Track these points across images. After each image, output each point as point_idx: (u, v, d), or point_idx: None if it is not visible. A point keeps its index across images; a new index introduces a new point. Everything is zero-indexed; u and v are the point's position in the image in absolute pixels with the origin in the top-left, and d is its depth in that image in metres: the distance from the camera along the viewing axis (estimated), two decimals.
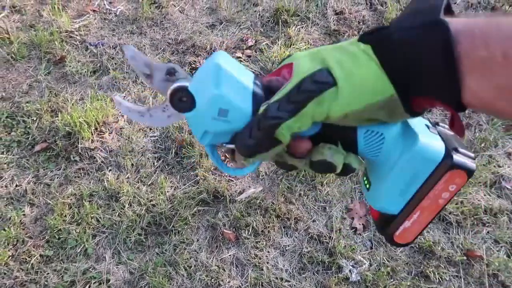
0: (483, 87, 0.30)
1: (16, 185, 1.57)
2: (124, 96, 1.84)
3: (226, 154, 0.43)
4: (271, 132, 0.35)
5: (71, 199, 1.54)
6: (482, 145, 1.76)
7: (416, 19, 0.32)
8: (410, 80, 0.32)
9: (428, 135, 0.38)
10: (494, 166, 1.70)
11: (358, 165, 0.39)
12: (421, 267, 1.45)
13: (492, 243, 1.51)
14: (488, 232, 1.54)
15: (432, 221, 0.41)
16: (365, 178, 0.43)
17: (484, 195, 1.62)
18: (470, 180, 1.61)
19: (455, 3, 2.28)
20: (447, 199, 0.39)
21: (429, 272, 1.43)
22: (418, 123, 0.40)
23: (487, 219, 1.56)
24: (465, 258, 1.47)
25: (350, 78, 0.33)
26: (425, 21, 0.31)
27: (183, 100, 0.38)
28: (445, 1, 0.32)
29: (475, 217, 1.56)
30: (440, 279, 1.43)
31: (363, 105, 0.34)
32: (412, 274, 1.44)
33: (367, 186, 0.42)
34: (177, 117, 0.40)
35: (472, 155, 0.38)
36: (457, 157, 0.37)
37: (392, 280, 1.42)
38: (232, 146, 0.40)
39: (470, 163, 0.38)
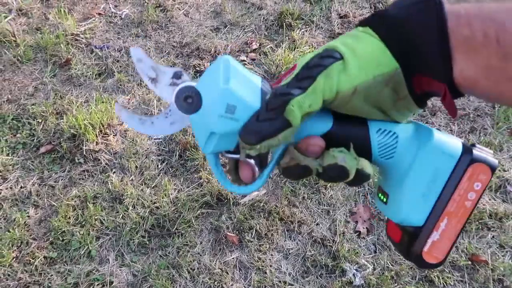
0: (468, 65, 0.31)
1: (21, 187, 1.58)
2: (129, 99, 1.85)
3: (228, 167, 0.40)
4: (280, 111, 0.33)
5: (75, 201, 1.55)
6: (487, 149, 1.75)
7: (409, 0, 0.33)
8: (409, 55, 0.33)
9: (442, 132, 0.37)
10: (499, 171, 1.69)
11: (371, 171, 0.36)
12: (425, 272, 1.44)
13: (497, 247, 1.50)
14: (493, 236, 1.53)
15: (463, 230, 0.38)
16: (380, 194, 0.40)
17: (489, 200, 1.61)
18: None
19: None
20: (474, 200, 0.36)
21: (434, 276, 1.42)
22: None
23: (492, 223, 1.55)
24: (470, 262, 1.46)
25: (355, 52, 0.34)
26: None
27: (189, 101, 0.37)
28: None
29: (480, 221, 1.55)
30: (445, 284, 1.42)
31: (370, 76, 0.33)
32: (416, 279, 1.43)
33: (384, 199, 0.39)
34: (181, 123, 0.38)
35: (491, 151, 0.37)
36: (476, 151, 0.36)
37: (396, 284, 1.41)
38: (235, 156, 0.38)
39: (492, 158, 0.36)
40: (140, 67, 0.38)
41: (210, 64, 0.38)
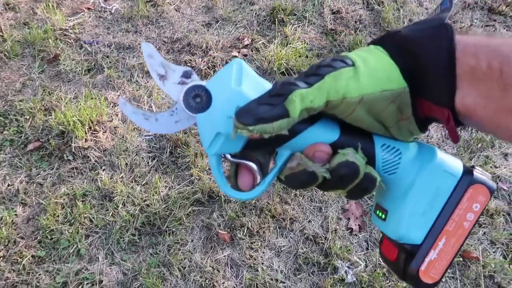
0: (469, 94, 0.32)
1: (8, 185, 1.55)
2: (119, 95, 1.83)
3: (229, 172, 0.40)
4: (282, 99, 0.33)
5: (64, 199, 1.52)
6: (479, 145, 1.75)
7: (424, 24, 0.34)
8: (414, 77, 0.34)
9: (444, 152, 0.38)
10: (491, 167, 1.70)
11: (378, 176, 0.36)
12: None
13: (488, 244, 1.51)
14: (484, 233, 1.53)
15: (459, 252, 0.38)
16: (378, 211, 0.40)
17: None
18: None
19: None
20: (472, 221, 0.37)
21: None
22: None
23: (484, 220, 1.55)
24: (461, 259, 1.46)
25: (367, 63, 0.34)
26: (432, 24, 0.33)
27: (197, 100, 0.36)
28: (449, 15, 0.34)
29: None
30: None
31: (378, 89, 0.34)
32: None
33: (383, 216, 0.39)
34: (186, 122, 0.38)
35: (489, 174, 0.38)
36: (477, 173, 0.37)
37: (388, 281, 1.41)
38: (239, 160, 0.38)
39: (490, 181, 0.37)
40: (150, 63, 0.38)
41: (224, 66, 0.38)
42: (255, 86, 0.36)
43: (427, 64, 0.33)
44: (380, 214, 0.39)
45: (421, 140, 1.72)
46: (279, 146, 0.37)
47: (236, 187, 0.39)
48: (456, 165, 0.37)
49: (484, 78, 0.31)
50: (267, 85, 0.37)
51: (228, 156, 0.37)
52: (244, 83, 0.35)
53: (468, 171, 0.37)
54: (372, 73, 0.34)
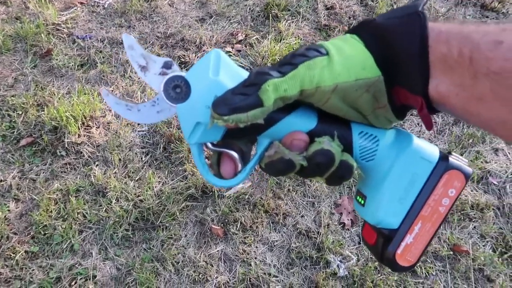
0: (442, 81, 0.32)
1: (1, 180, 1.55)
2: (112, 90, 1.82)
3: (211, 160, 0.41)
4: (256, 88, 0.33)
5: (57, 195, 1.52)
6: (470, 141, 1.77)
7: (398, 11, 0.34)
8: (390, 66, 0.34)
9: (421, 139, 0.38)
10: (482, 162, 1.72)
11: (354, 164, 0.37)
12: None
13: (478, 238, 1.53)
14: (474, 227, 1.55)
15: (435, 235, 0.39)
16: (358, 197, 0.41)
17: (471, 191, 1.63)
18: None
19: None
20: (447, 206, 0.38)
21: (416, 267, 1.44)
22: None
23: (474, 214, 1.57)
24: (451, 253, 1.48)
25: (341, 51, 0.34)
26: (406, 11, 0.33)
27: (177, 90, 0.37)
28: (424, 2, 0.34)
29: (462, 212, 1.57)
30: (427, 274, 1.44)
31: (352, 78, 0.34)
32: None
33: (362, 202, 0.40)
34: (167, 112, 0.39)
35: (466, 160, 0.38)
36: (452, 159, 0.37)
37: (379, 275, 1.43)
38: (219, 149, 0.38)
39: (466, 166, 0.37)
40: (130, 54, 0.39)
41: (202, 57, 0.38)
42: (233, 76, 0.36)
43: (401, 52, 0.33)
44: (360, 200, 0.40)
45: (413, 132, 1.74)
46: (259, 135, 0.38)
47: (218, 175, 0.40)
48: (432, 151, 0.38)
49: (455, 66, 0.31)
50: (244, 74, 0.37)
51: (209, 145, 0.38)
52: (221, 72, 0.36)
53: (444, 157, 0.37)
54: (346, 61, 0.34)
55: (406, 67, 0.33)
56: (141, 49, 0.39)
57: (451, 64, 0.31)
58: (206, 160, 0.40)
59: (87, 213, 1.49)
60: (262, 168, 0.38)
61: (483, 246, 1.51)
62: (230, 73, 0.36)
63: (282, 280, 1.41)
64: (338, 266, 1.43)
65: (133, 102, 0.39)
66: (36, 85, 1.80)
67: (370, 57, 0.34)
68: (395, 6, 2.24)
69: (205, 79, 0.36)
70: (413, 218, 0.38)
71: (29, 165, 1.59)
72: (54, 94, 1.76)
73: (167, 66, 0.38)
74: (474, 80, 0.30)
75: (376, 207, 0.38)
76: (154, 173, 1.59)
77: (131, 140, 1.68)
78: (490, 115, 0.31)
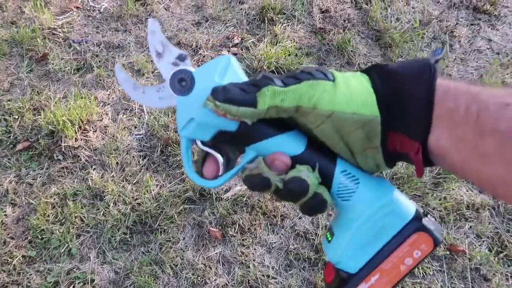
0: (444, 135, 0.33)
1: None
2: (109, 94, 1.82)
3: (196, 157, 0.42)
4: (256, 88, 0.34)
5: (54, 199, 1.52)
6: None
7: (411, 61, 0.36)
8: (392, 109, 0.35)
9: (402, 194, 0.38)
10: None
11: (330, 200, 0.37)
12: None
13: (474, 237, 1.54)
14: (470, 227, 1.57)
15: None
16: (328, 232, 0.41)
17: (467, 191, 1.65)
18: (453, 176, 1.64)
19: (438, 2, 2.32)
20: (409, 267, 0.37)
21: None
22: None
23: (470, 214, 1.59)
24: (448, 252, 1.49)
25: (347, 83, 0.35)
26: (418, 62, 0.35)
27: (182, 84, 0.38)
28: (438, 58, 0.35)
29: (458, 212, 1.59)
30: (424, 274, 1.45)
31: (350, 110, 0.34)
32: None
33: (329, 238, 0.40)
34: (169, 101, 0.40)
35: (440, 227, 0.38)
36: (426, 221, 0.37)
37: None
38: (207, 149, 0.39)
39: (438, 233, 0.37)
40: (151, 39, 0.40)
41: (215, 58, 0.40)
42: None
43: (406, 96, 0.34)
44: (328, 235, 0.40)
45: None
46: (248, 146, 0.38)
47: (200, 172, 0.41)
48: (409, 208, 0.37)
49: (461, 122, 0.31)
50: None
51: (198, 143, 0.39)
52: (226, 79, 0.37)
53: (417, 217, 0.37)
54: (349, 93, 0.35)
55: (409, 112, 0.34)
56: (162, 37, 0.40)
57: (457, 119, 0.32)
58: (193, 155, 0.41)
59: (84, 217, 1.48)
60: (242, 179, 0.38)
61: (479, 245, 1.52)
62: (235, 80, 0.37)
63: (281, 282, 1.41)
64: None
65: (141, 84, 0.41)
66: (32, 89, 1.80)
67: (373, 96, 0.35)
68: (389, 10, 2.26)
69: (210, 80, 0.37)
70: (372, 268, 0.37)
71: (26, 169, 1.59)
72: (51, 98, 1.76)
73: (181, 58, 0.39)
74: (478, 137, 0.31)
75: (339, 247, 0.38)
76: (151, 176, 1.59)
77: (128, 144, 1.68)
78: (491, 174, 0.31)
